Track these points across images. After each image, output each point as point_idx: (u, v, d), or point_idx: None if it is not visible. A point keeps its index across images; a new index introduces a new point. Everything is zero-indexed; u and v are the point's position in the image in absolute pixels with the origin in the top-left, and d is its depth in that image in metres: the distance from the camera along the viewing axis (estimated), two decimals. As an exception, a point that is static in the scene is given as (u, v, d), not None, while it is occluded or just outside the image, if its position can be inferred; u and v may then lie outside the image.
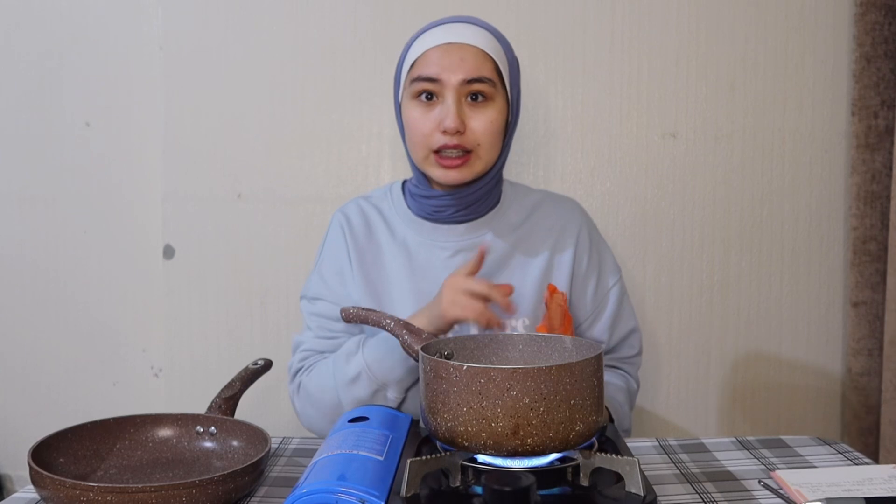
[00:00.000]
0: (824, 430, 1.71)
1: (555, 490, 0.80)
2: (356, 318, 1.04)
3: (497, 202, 1.22)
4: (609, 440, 0.94)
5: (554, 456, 0.82)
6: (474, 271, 1.07)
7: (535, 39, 1.64)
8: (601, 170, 1.67)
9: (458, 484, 0.80)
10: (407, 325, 0.99)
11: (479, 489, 0.79)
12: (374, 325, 1.04)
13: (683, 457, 0.99)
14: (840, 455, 0.98)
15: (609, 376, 1.22)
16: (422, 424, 0.89)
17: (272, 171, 1.68)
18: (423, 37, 1.14)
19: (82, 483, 0.78)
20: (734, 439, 1.06)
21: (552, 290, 1.12)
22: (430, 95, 1.11)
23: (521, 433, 0.78)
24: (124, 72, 1.69)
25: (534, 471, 0.79)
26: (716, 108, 1.67)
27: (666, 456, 0.99)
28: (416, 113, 1.12)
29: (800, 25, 1.65)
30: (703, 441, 1.05)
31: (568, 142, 1.67)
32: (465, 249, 1.19)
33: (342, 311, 1.05)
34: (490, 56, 1.12)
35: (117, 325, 1.73)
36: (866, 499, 0.80)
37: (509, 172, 1.64)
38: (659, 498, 0.82)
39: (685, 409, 1.71)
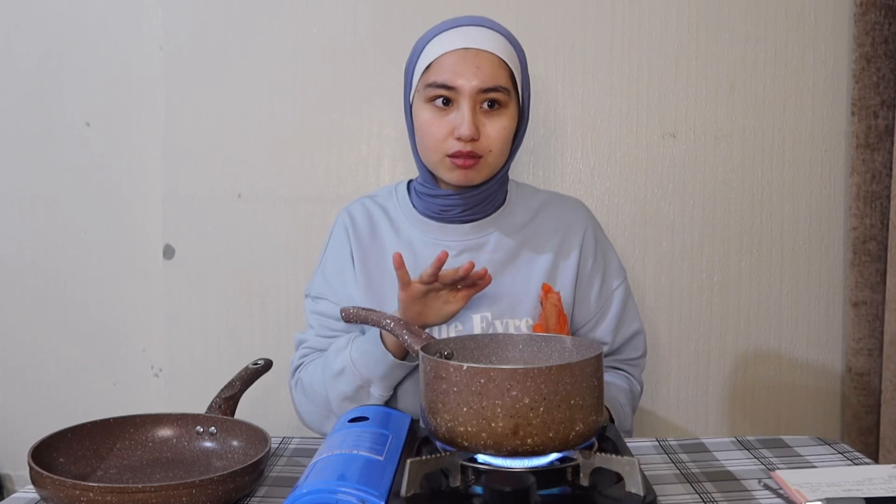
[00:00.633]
0: (824, 430, 1.71)
1: (555, 490, 0.80)
2: (356, 318, 1.04)
3: (503, 202, 1.23)
4: (609, 440, 0.94)
5: (554, 456, 0.81)
6: (429, 280, 1.05)
7: (535, 39, 1.64)
8: (601, 170, 1.67)
9: (458, 484, 0.80)
10: (407, 326, 0.99)
11: (479, 489, 0.79)
12: (373, 325, 1.04)
13: (683, 457, 0.99)
14: (840, 455, 0.98)
15: (611, 377, 1.21)
16: (422, 424, 0.89)
17: (272, 171, 1.68)
18: (437, 39, 1.13)
19: (82, 483, 0.78)
20: (734, 439, 1.06)
21: (547, 290, 1.12)
22: (446, 101, 1.11)
23: (521, 433, 0.78)
24: (124, 72, 1.69)
25: (534, 471, 0.79)
26: (716, 108, 1.67)
27: (666, 456, 0.99)
28: (429, 117, 1.12)
29: (800, 25, 1.65)
30: (703, 441, 1.05)
31: (568, 142, 1.67)
32: (470, 249, 1.19)
33: (342, 310, 1.05)
34: (505, 63, 1.12)
35: (117, 325, 1.73)
36: (866, 499, 0.80)
37: (510, 172, 1.64)
38: (659, 498, 0.82)
39: (685, 409, 1.71)
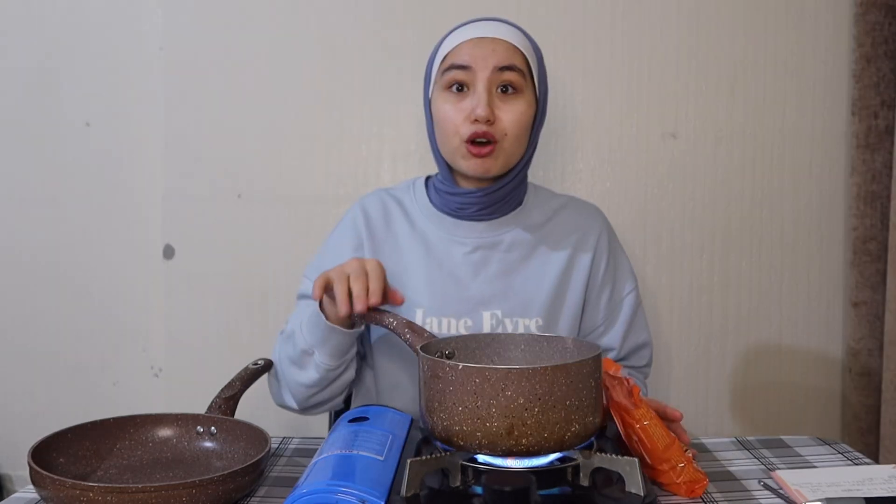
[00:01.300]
0: (824, 430, 1.71)
1: (555, 490, 0.80)
2: (358, 315, 1.04)
3: (520, 203, 1.23)
4: (609, 440, 0.94)
5: (554, 456, 0.82)
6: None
7: (536, 39, 1.63)
8: (601, 170, 1.67)
9: (458, 484, 0.80)
10: (409, 324, 0.99)
11: (479, 489, 0.79)
12: (377, 324, 1.04)
13: (683, 457, 0.99)
14: (840, 455, 0.98)
15: None
16: (420, 424, 0.89)
17: (272, 171, 1.68)
18: (454, 33, 1.16)
19: (82, 483, 0.78)
20: (734, 439, 1.06)
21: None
22: (461, 87, 1.12)
23: (516, 433, 0.78)
24: (124, 72, 1.69)
25: (534, 471, 0.79)
26: (716, 108, 1.67)
27: (666, 456, 0.99)
28: (446, 105, 1.13)
29: (800, 25, 1.65)
30: (703, 441, 1.05)
31: (568, 142, 1.67)
32: (484, 246, 1.19)
33: None
34: (520, 50, 1.14)
35: (117, 325, 1.73)
36: (866, 499, 0.80)
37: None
38: (659, 498, 0.82)
39: (685, 409, 1.69)
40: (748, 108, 1.67)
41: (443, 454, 0.81)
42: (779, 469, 0.93)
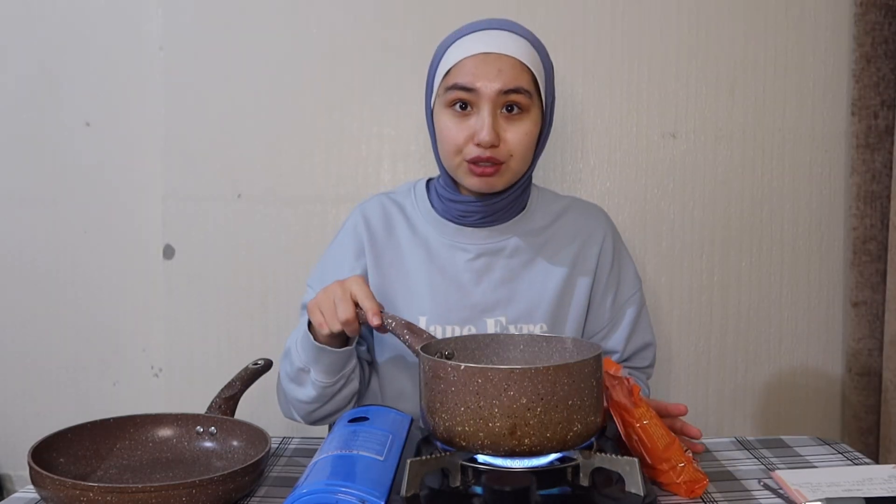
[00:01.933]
0: (824, 430, 1.71)
1: (555, 490, 0.80)
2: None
3: (523, 208, 1.21)
4: (609, 440, 0.94)
5: (554, 456, 0.82)
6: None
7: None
8: (601, 170, 1.67)
9: (458, 484, 0.80)
10: (408, 325, 0.99)
11: (479, 489, 0.79)
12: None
13: (683, 457, 0.99)
14: (840, 455, 0.99)
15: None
16: (421, 424, 0.89)
17: (272, 171, 1.68)
18: (458, 43, 1.11)
19: (82, 483, 0.78)
20: (734, 439, 1.06)
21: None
22: (465, 105, 1.09)
23: (519, 433, 0.78)
24: (124, 72, 1.69)
25: (534, 471, 0.79)
26: (716, 108, 1.67)
27: (666, 456, 0.99)
28: (449, 122, 1.10)
29: (800, 25, 1.65)
30: (704, 441, 1.05)
31: (568, 142, 1.67)
32: (487, 253, 1.17)
33: None
34: (527, 67, 1.09)
35: (117, 325, 1.73)
36: (866, 499, 0.80)
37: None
38: (659, 498, 0.82)
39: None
40: (748, 108, 1.67)
41: (443, 454, 0.81)
42: (779, 469, 0.93)
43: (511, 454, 0.79)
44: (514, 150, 1.09)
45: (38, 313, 1.73)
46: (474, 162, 1.08)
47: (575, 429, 0.80)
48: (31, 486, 0.84)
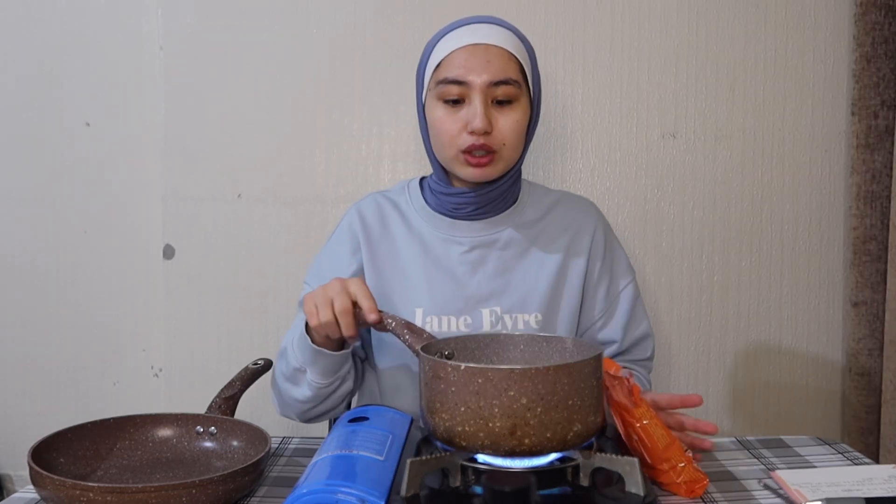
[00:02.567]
0: (824, 430, 1.71)
1: (555, 490, 0.80)
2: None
3: (515, 200, 1.23)
4: (609, 440, 0.94)
5: (554, 456, 0.81)
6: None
7: (536, 39, 1.62)
8: (601, 169, 1.67)
9: (458, 484, 0.80)
10: (408, 325, 0.99)
11: (479, 489, 0.79)
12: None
13: (683, 457, 0.98)
14: (840, 455, 0.99)
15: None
16: (421, 424, 0.89)
17: (272, 171, 1.68)
18: (446, 38, 1.14)
19: (82, 483, 0.78)
20: (734, 439, 1.06)
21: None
22: (457, 100, 1.11)
23: (519, 433, 0.78)
24: (124, 72, 1.69)
25: (534, 471, 0.79)
26: (716, 108, 1.67)
27: (666, 456, 0.99)
28: (442, 114, 1.12)
29: (800, 25, 1.65)
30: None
31: (568, 141, 1.67)
32: (480, 245, 1.19)
33: None
34: (515, 57, 1.13)
35: (117, 325, 1.73)
36: (866, 499, 0.80)
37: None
38: (659, 498, 0.82)
39: (685, 409, 1.71)
40: (748, 108, 1.67)
41: (443, 454, 0.81)
42: (779, 469, 0.93)
43: (511, 454, 0.79)
44: (507, 138, 1.12)
45: (38, 313, 1.73)
46: (469, 151, 1.11)
47: (575, 429, 0.80)
48: (31, 486, 0.84)
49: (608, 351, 1.23)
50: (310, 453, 1.00)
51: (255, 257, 1.69)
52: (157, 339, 1.73)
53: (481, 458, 0.81)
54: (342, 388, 1.12)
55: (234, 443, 0.97)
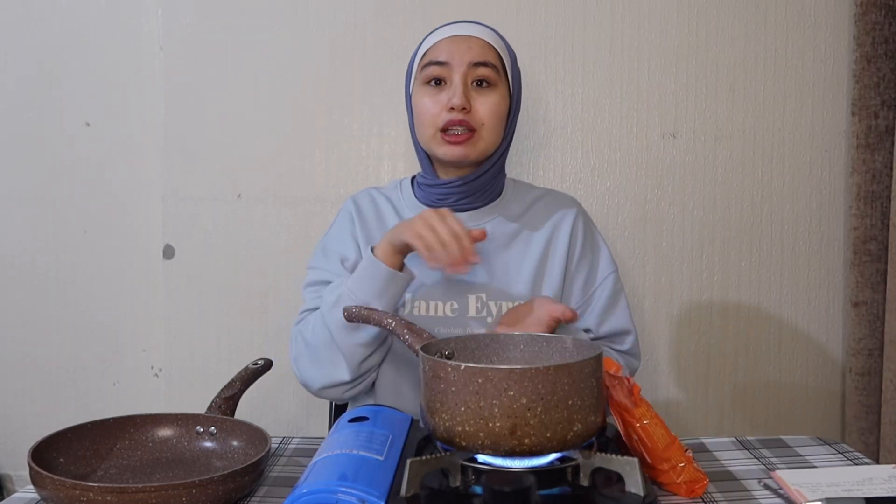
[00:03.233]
0: (824, 430, 1.71)
1: (555, 490, 0.80)
2: (357, 318, 1.04)
3: (499, 194, 1.28)
4: (609, 440, 0.94)
5: (554, 456, 0.81)
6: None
7: (535, 39, 1.64)
8: (601, 169, 1.67)
9: (458, 484, 0.80)
10: (408, 325, 1.00)
11: (479, 489, 0.79)
12: (375, 325, 1.04)
13: (683, 457, 0.98)
14: (840, 455, 0.98)
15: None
16: (421, 424, 0.89)
17: (272, 171, 1.68)
18: (433, 34, 1.24)
19: (82, 483, 0.78)
20: (734, 439, 1.06)
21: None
22: (439, 81, 1.19)
23: (519, 433, 0.78)
24: (124, 72, 1.69)
25: (534, 471, 0.79)
26: (716, 108, 1.67)
27: (666, 456, 0.99)
28: (425, 97, 1.20)
29: (800, 25, 1.65)
30: (703, 441, 1.05)
31: (568, 142, 1.67)
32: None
33: (344, 310, 1.05)
34: (494, 47, 1.21)
35: (117, 325, 1.73)
36: (866, 499, 0.80)
37: (510, 173, 1.64)
38: (659, 498, 0.82)
39: (685, 408, 1.71)
40: (748, 108, 1.67)
41: (443, 454, 0.81)
42: (779, 469, 0.93)
43: (511, 454, 0.79)
44: (485, 119, 1.18)
45: (38, 313, 1.73)
46: (447, 129, 1.17)
47: (575, 429, 0.80)
48: (31, 486, 0.84)
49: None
50: (310, 453, 1.00)
51: (255, 257, 1.69)
52: (157, 339, 1.73)
53: (481, 458, 0.81)
54: (388, 340, 1.15)
55: (234, 443, 0.97)
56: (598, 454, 0.81)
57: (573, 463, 0.81)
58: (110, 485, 0.79)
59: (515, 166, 1.66)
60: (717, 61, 1.66)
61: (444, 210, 1.06)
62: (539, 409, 0.78)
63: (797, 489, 0.83)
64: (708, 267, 1.69)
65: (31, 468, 0.82)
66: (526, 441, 0.78)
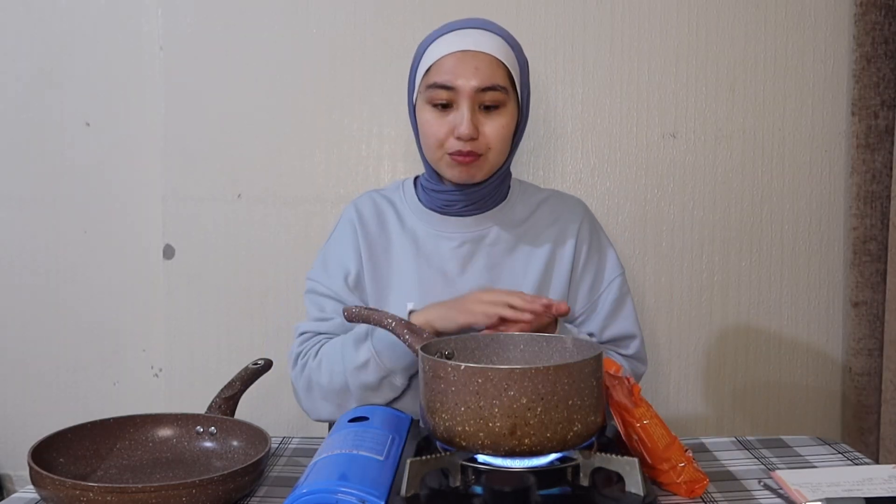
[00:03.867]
0: (824, 430, 1.71)
1: (555, 490, 0.80)
2: (358, 318, 1.04)
3: (504, 198, 1.26)
4: (609, 440, 0.94)
5: (554, 456, 0.81)
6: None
7: (536, 39, 1.64)
8: (601, 169, 1.67)
9: (458, 484, 0.80)
10: (408, 325, 1.00)
11: (479, 489, 0.79)
12: (375, 325, 1.04)
13: (683, 457, 0.98)
14: (840, 455, 0.99)
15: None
16: (421, 424, 0.89)
17: (272, 171, 1.68)
18: (437, 42, 1.17)
19: (82, 483, 0.78)
20: (734, 439, 1.06)
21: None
22: (445, 104, 1.14)
23: (519, 433, 0.78)
24: (124, 72, 1.69)
25: (534, 471, 0.79)
26: (716, 108, 1.67)
27: (666, 456, 0.99)
28: (430, 117, 1.16)
29: (800, 25, 1.65)
30: (703, 441, 1.05)
31: (568, 142, 1.67)
32: (470, 241, 1.22)
33: (344, 310, 1.05)
34: (503, 63, 1.15)
35: (117, 325, 1.73)
36: (866, 499, 0.80)
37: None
38: (659, 498, 0.82)
39: (685, 409, 1.71)
40: (748, 108, 1.67)
41: (443, 454, 0.81)
42: (779, 469, 0.93)
43: (511, 454, 0.79)
44: (492, 143, 1.15)
45: (38, 313, 1.73)
46: (455, 154, 1.14)
47: (575, 429, 0.80)
48: (31, 486, 0.84)
49: None
50: (310, 453, 1.00)
51: (255, 257, 1.69)
52: (157, 339, 1.73)
53: (481, 458, 0.81)
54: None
55: (234, 443, 0.97)
56: (598, 454, 0.81)
57: (573, 463, 0.81)
58: (110, 485, 0.79)
59: (515, 166, 1.66)
60: (717, 61, 1.66)
61: (491, 290, 1.09)
62: (539, 409, 0.78)
63: (797, 489, 0.83)
64: (708, 267, 1.69)
65: (31, 468, 0.82)
66: (526, 441, 0.78)
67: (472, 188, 1.20)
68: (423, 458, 0.80)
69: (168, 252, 1.71)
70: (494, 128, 1.14)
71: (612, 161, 1.67)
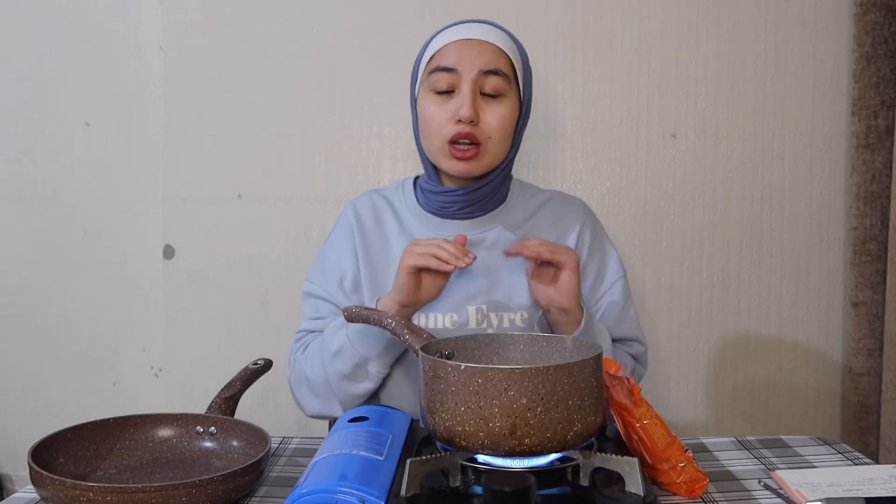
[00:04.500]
0: (824, 430, 1.71)
1: (555, 490, 0.80)
2: (357, 318, 1.04)
3: (504, 200, 1.25)
4: (609, 440, 0.94)
5: (554, 456, 0.81)
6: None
7: (536, 39, 1.64)
8: (601, 170, 1.67)
9: (458, 484, 0.80)
10: (409, 325, 0.99)
11: (478, 489, 0.79)
12: (375, 325, 1.04)
13: (683, 457, 0.98)
14: (840, 455, 0.98)
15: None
16: (421, 424, 0.89)
17: (272, 171, 1.68)
18: (441, 34, 1.18)
19: (82, 483, 0.78)
20: (734, 439, 1.06)
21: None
22: (447, 91, 1.14)
23: (519, 433, 0.78)
24: (124, 72, 1.69)
25: (534, 471, 0.79)
26: (716, 108, 1.67)
27: (666, 456, 0.99)
28: (432, 105, 1.15)
29: (800, 25, 1.65)
30: (703, 441, 1.05)
31: (568, 142, 1.67)
32: (469, 244, 1.19)
33: (344, 310, 1.05)
34: (506, 54, 1.15)
35: (117, 325, 1.73)
36: (866, 499, 0.80)
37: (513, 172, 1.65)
38: (659, 498, 0.82)
39: (685, 409, 1.71)
40: (748, 108, 1.67)
41: (443, 454, 0.81)
42: (779, 469, 0.93)
43: (511, 454, 0.79)
44: (493, 132, 1.14)
45: (38, 313, 1.73)
46: (454, 142, 1.13)
47: (575, 428, 0.80)
48: (31, 486, 0.84)
49: None
50: (310, 453, 1.00)
51: (255, 257, 1.69)
52: (157, 339, 1.73)
53: (481, 458, 0.81)
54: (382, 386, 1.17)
55: (234, 443, 0.97)
56: (598, 454, 0.81)
57: (573, 463, 0.81)
58: (110, 485, 0.79)
59: (516, 166, 1.65)
60: (717, 61, 1.66)
61: (415, 239, 1.09)
62: (539, 409, 0.78)
63: (797, 489, 0.83)
64: (708, 267, 1.69)
65: (31, 468, 0.82)
66: (526, 441, 0.78)
67: (471, 187, 1.18)
68: (423, 458, 0.80)
69: (168, 252, 1.71)
70: (495, 116, 1.13)
71: (612, 161, 1.67)
